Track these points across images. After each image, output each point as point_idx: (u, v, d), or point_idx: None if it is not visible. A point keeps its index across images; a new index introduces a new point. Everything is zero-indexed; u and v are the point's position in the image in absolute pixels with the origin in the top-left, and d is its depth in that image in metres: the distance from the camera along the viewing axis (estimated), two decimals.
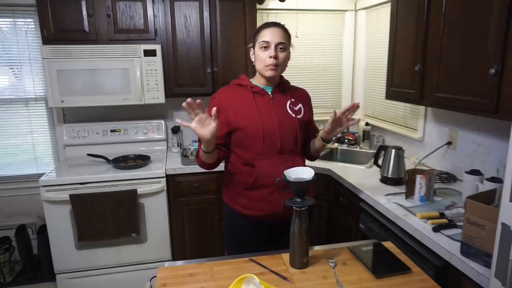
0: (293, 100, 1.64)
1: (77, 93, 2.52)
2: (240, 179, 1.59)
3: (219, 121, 1.43)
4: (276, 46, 1.51)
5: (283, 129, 1.57)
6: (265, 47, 1.52)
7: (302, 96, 1.71)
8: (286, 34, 1.56)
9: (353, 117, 1.56)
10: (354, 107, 1.52)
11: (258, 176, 1.54)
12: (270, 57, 1.51)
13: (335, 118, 1.51)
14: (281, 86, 1.65)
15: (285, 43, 1.53)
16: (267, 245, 1.63)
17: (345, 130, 3.13)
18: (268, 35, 1.51)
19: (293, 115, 1.61)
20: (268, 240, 1.66)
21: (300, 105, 1.66)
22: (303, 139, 1.65)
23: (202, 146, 1.47)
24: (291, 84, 1.72)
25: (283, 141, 1.56)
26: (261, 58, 1.54)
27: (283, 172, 1.49)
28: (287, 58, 1.58)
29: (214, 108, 1.32)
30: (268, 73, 1.54)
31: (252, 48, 1.61)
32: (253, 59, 1.61)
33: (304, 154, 1.76)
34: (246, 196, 1.58)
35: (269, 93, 1.61)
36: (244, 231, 1.63)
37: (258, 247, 1.58)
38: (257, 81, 1.63)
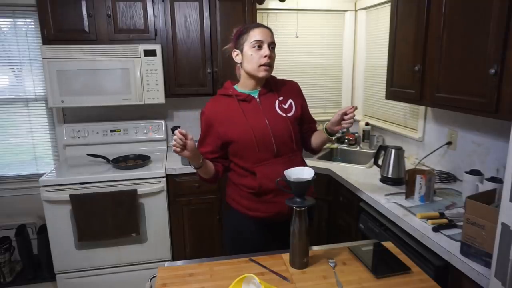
0: (281, 98, 1.60)
1: (77, 93, 2.52)
2: (244, 183, 1.58)
3: (210, 135, 1.54)
4: (268, 45, 1.49)
5: (276, 131, 1.54)
6: (258, 46, 1.49)
7: (291, 90, 1.66)
8: (273, 34, 1.55)
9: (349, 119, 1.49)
10: (351, 110, 1.47)
11: (262, 182, 1.53)
12: (265, 56, 1.48)
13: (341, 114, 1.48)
14: (267, 86, 1.60)
15: (274, 43, 1.53)
16: (272, 243, 1.62)
17: (345, 130, 3.15)
18: (261, 34, 1.49)
19: (284, 114, 1.57)
20: (272, 239, 1.64)
21: (290, 101, 1.62)
22: (298, 135, 1.62)
23: (190, 164, 1.50)
24: (278, 78, 1.67)
25: (278, 144, 1.54)
26: (254, 58, 1.49)
27: (283, 173, 1.49)
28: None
29: (179, 129, 1.36)
30: (262, 73, 1.50)
31: (236, 50, 1.55)
32: (238, 61, 1.56)
33: (304, 146, 1.73)
34: (251, 199, 1.57)
35: (255, 97, 1.57)
36: (249, 233, 1.62)
37: (263, 246, 1.57)
38: (243, 86, 1.59)
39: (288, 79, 1.72)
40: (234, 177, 1.62)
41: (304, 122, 1.69)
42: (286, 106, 1.60)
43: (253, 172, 1.54)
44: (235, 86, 1.61)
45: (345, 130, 3.16)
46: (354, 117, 1.49)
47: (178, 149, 1.35)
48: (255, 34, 1.49)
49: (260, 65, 1.49)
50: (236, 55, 1.56)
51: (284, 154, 1.56)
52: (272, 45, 1.51)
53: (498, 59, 1.38)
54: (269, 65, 1.50)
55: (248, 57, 1.51)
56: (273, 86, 1.62)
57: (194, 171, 1.67)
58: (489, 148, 1.91)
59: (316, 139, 1.69)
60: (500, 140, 1.84)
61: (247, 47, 1.51)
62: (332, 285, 1.18)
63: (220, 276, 1.23)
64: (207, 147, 1.58)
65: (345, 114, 1.47)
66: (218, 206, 2.63)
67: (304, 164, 1.57)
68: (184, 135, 1.35)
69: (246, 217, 1.60)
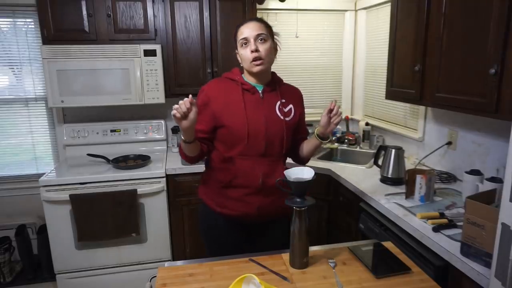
0: (283, 100, 1.58)
1: (77, 93, 2.52)
2: (218, 176, 1.57)
3: (205, 114, 1.49)
4: (255, 39, 1.46)
5: (270, 131, 1.52)
6: (245, 44, 1.48)
7: (294, 96, 1.65)
8: (264, 25, 1.51)
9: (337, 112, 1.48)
10: (334, 104, 1.47)
11: (236, 175, 1.52)
12: (252, 51, 1.46)
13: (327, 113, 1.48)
14: (272, 84, 1.59)
15: (264, 34, 1.48)
16: (244, 245, 1.64)
17: (345, 130, 3.15)
18: (245, 31, 1.48)
19: (282, 117, 1.55)
20: (244, 240, 1.66)
21: (290, 106, 1.60)
22: (289, 142, 1.61)
23: (182, 135, 1.43)
24: (284, 82, 1.67)
25: (268, 144, 1.52)
26: (244, 56, 1.49)
27: (261, 174, 1.50)
28: (271, 49, 1.51)
29: (192, 98, 1.30)
30: (255, 68, 1.48)
31: (237, 51, 1.55)
32: (240, 61, 1.57)
33: (293, 157, 1.72)
34: (222, 194, 1.57)
35: (260, 91, 1.56)
36: (219, 230, 1.63)
37: (235, 247, 1.59)
38: (248, 78, 1.57)
39: (292, 84, 1.70)
40: (212, 165, 1.61)
41: (298, 132, 1.66)
42: (286, 110, 1.59)
43: (232, 163, 1.52)
44: (243, 75, 1.59)
45: (345, 130, 3.17)
46: (341, 111, 1.48)
47: (178, 116, 1.29)
48: (241, 33, 1.49)
49: (251, 62, 1.48)
50: (238, 57, 1.57)
51: (269, 156, 1.54)
52: (260, 37, 1.47)
53: (498, 59, 1.38)
54: (260, 58, 1.47)
55: (241, 57, 1.53)
56: (277, 87, 1.60)
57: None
58: (489, 148, 1.91)
59: (307, 146, 1.66)
60: (500, 140, 1.84)
61: (238, 47, 1.52)
62: (332, 285, 1.18)
63: (220, 276, 1.23)
64: (199, 125, 1.52)
65: (331, 111, 1.48)
66: None
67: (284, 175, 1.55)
68: (192, 104, 1.30)
69: (214, 213, 1.60)
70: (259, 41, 1.47)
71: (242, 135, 1.49)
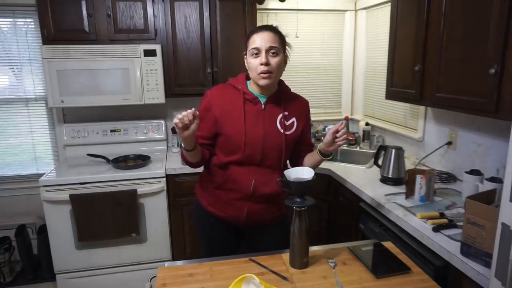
0: (286, 113, 1.54)
1: (77, 93, 2.52)
2: (212, 177, 1.59)
3: (206, 120, 1.49)
4: (267, 51, 1.41)
5: (267, 144, 1.50)
6: (256, 54, 1.43)
7: (299, 108, 1.60)
8: (278, 37, 1.46)
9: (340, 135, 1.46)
10: (342, 126, 1.45)
11: (229, 179, 1.53)
12: (261, 64, 1.41)
13: (334, 131, 1.45)
14: (277, 95, 1.54)
15: (276, 47, 1.43)
16: (240, 244, 1.69)
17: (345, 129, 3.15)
18: (258, 41, 1.42)
19: (282, 130, 1.52)
20: (237, 240, 1.70)
21: (293, 119, 1.56)
22: (288, 155, 1.59)
23: (182, 144, 1.42)
24: (292, 91, 1.62)
25: (264, 156, 1.51)
26: (253, 66, 1.44)
27: (253, 182, 1.51)
28: (281, 63, 1.47)
29: (194, 110, 1.31)
30: (262, 81, 1.44)
31: (245, 56, 1.51)
32: (246, 67, 1.51)
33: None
34: (214, 195, 1.60)
35: (262, 102, 1.52)
36: (211, 228, 1.65)
37: (229, 245, 1.65)
38: (253, 87, 1.53)
39: (301, 95, 1.66)
40: (209, 167, 1.62)
41: (301, 143, 1.63)
42: (287, 123, 1.55)
43: (227, 168, 1.53)
44: (248, 82, 1.56)
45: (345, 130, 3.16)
46: (347, 133, 1.46)
47: (180, 125, 1.28)
48: (254, 41, 1.43)
49: (258, 73, 1.44)
50: (245, 61, 1.52)
51: (265, 166, 1.53)
52: (273, 50, 1.42)
53: (498, 59, 1.38)
54: (268, 72, 1.42)
55: (249, 65, 1.48)
56: (282, 98, 1.55)
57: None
58: (489, 148, 1.91)
59: (308, 160, 1.61)
60: (500, 140, 1.84)
61: (248, 54, 1.47)
62: (332, 285, 1.18)
63: (220, 276, 1.23)
64: (201, 131, 1.52)
65: (337, 131, 1.45)
66: None
67: (277, 186, 1.51)
68: (194, 117, 1.30)
69: (206, 211, 1.63)
70: (270, 54, 1.42)
71: (239, 144, 1.49)
